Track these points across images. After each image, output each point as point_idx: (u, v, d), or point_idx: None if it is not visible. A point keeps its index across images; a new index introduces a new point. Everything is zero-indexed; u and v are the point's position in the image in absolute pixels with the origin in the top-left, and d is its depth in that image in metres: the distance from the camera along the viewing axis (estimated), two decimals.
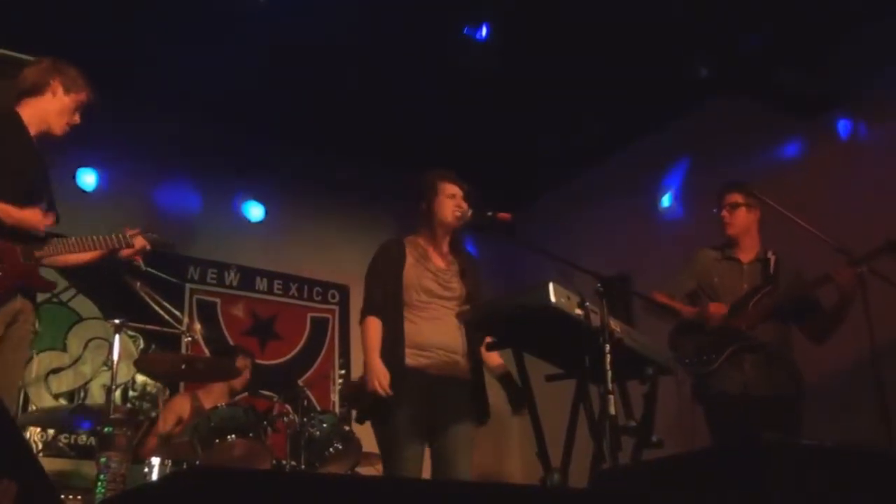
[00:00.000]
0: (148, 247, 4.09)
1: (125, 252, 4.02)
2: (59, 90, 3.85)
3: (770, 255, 4.80)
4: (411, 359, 3.99)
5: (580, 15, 5.78)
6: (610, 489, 2.37)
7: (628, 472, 2.63)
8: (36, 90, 3.83)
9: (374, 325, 4.07)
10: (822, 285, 4.49)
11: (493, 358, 4.18)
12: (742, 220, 4.82)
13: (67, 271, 3.91)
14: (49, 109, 3.83)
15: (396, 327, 4.05)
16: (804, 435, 4.48)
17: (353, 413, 4.27)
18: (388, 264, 4.19)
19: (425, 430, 3.98)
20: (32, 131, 3.81)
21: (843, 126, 6.03)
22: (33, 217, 3.66)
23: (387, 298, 4.11)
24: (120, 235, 4.00)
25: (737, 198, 4.84)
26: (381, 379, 3.89)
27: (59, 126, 3.87)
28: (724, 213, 4.85)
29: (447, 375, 4.03)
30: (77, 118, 3.92)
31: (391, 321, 4.07)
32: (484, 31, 5.90)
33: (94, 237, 3.94)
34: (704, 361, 4.60)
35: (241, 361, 6.10)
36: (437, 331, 4.06)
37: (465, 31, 5.90)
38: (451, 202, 4.23)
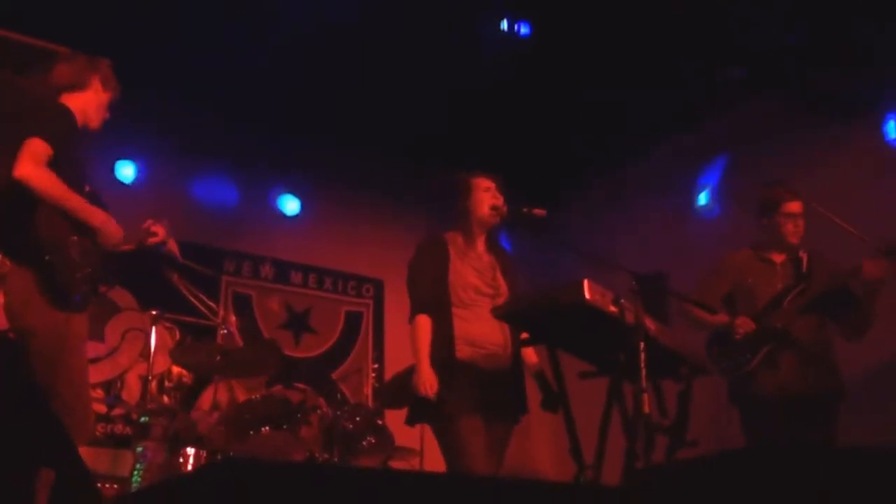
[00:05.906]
0: (171, 246, 4.14)
1: (151, 241, 4.08)
2: (99, 86, 3.92)
3: (802, 253, 4.74)
4: (462, 352, 3.95)
5: (616, 12, 5.75)
6: (643, 488, 2.35)
7: (662, 472, 2.61)
8: (78, 86, 3.88)
9: (425, 324, 4.02)
10: (855, 276, 4.42)
11: (530, 355, 4.15)
12: (803, 229, 4.75)
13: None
14: (91, 105, 3.90)
15: (446, 323, 4.01)
16: (839, 435, 4.43)
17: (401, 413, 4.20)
18: (433, 261, 4.15)
19: (481, 407, 3.89)
20: None
21: (880, 126, 5.94)
22: (112, 227, 3.69)
23: (435, 296, 4.08)
24: (142, 231, 4.05)
25: (797, 207, 4.71)
26: (429, 384, 3.86)
27: (97, 121, 3.94)
28: (786, 221, 4.71)
29: (495, 370, 3.98)
30: (108, 114, 4.00)
31: (440, 318, 4.03)
32: (524, 28, 5.89)
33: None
34: (740, 363, 4.56)
35: None
36: (485, 328, 4.00)
37: (504, 27, 5.89)
38: (487, 195, 4.20)
